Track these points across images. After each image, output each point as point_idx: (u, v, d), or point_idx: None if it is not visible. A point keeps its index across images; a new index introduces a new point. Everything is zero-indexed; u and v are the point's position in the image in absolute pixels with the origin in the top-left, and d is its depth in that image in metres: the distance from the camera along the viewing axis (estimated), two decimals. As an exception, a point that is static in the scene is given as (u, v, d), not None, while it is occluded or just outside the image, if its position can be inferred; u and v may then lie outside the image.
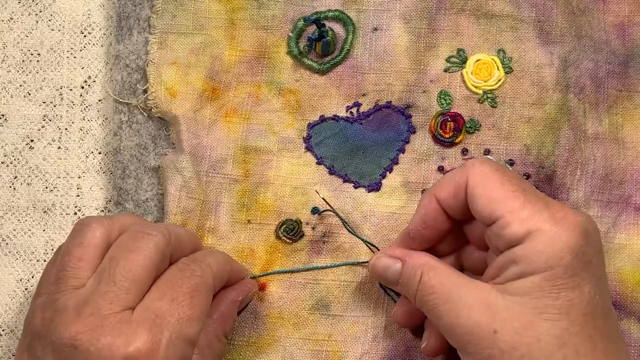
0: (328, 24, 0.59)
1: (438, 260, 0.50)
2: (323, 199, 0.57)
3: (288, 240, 0.57)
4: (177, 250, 0.51)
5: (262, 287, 0.57)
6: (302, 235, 0.57)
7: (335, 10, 0.59)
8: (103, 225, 0.50)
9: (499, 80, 0.58)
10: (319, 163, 0.58)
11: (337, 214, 0.57)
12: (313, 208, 0.57)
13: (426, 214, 0.51)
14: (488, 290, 0.47)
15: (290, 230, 0.57)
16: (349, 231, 0.56)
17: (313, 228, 0.57)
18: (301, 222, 0.57)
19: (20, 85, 0.61)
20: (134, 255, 0.48)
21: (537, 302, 0.45)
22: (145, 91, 0.58)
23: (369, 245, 0.56)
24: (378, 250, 0.56)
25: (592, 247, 0.46)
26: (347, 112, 0.59)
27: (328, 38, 0.58)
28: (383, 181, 0.58)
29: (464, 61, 0.58)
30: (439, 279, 0.49)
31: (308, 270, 0.57)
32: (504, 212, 0.46)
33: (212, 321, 0.51)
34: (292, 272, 0.57)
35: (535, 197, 0.47)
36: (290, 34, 0.59)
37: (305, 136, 0.59)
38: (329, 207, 0.57)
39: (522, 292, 0.46)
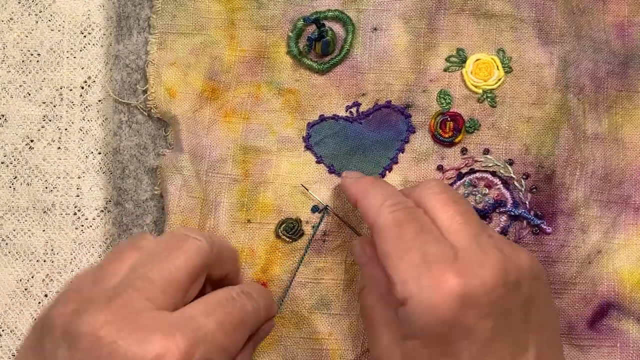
0: (328, 23, 0.59)
1: None
2: (305, 188, 0.57)
3: (288, 240, 0.57)
4: (217, 263, 0.48)
5: (263, 287, 0.57)
6: (302, 234, 0.57)
7: (335, 10, 0.59)
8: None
9: (499, 80, 0.58)
10: (318, 162, 0.58)
11: (324, 204, 0.57)
12: (313, 207, 0.57)
13: (359, 260, 0.52)
14: (397, 340, 0.47)
15: (290, 229, 0.57)
16: (339, 218, 0.56)
17: (313, 227, 0.57)
18: (301, 221, 0.57)
19: (20, 86, 0.61)
20: (175, 254, 0.45)
21: None
22: (145, 91, 0.59)
23: (355, 231, 0.57)
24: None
25: (473, 313, 0.44)
26: (346, 111, 0.59)
27: (328, 38, 0.58)
28: (383, 181, 0.58)
29: (463, 61, 0.58)
30: (375, 302, 0.50)
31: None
32: (392, 271, 0.46)
33: None
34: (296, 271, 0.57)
35: (421, 257, 0.45)
36: (290, 34, 0.59)
37: (304, 135, 0.59)
38: (321, 203, 0.57)
39: (408, 355, 0.46)
